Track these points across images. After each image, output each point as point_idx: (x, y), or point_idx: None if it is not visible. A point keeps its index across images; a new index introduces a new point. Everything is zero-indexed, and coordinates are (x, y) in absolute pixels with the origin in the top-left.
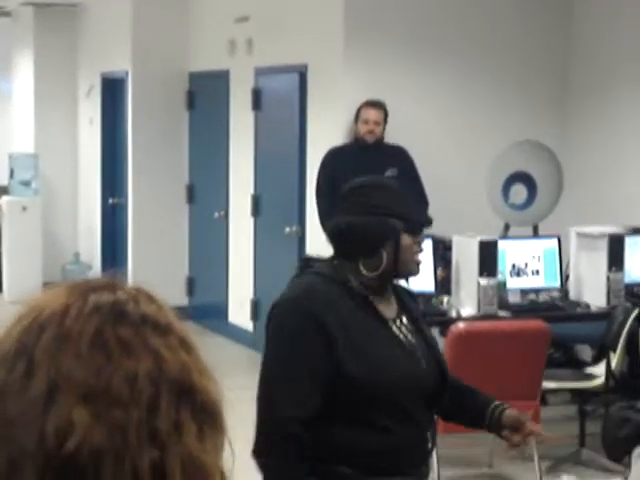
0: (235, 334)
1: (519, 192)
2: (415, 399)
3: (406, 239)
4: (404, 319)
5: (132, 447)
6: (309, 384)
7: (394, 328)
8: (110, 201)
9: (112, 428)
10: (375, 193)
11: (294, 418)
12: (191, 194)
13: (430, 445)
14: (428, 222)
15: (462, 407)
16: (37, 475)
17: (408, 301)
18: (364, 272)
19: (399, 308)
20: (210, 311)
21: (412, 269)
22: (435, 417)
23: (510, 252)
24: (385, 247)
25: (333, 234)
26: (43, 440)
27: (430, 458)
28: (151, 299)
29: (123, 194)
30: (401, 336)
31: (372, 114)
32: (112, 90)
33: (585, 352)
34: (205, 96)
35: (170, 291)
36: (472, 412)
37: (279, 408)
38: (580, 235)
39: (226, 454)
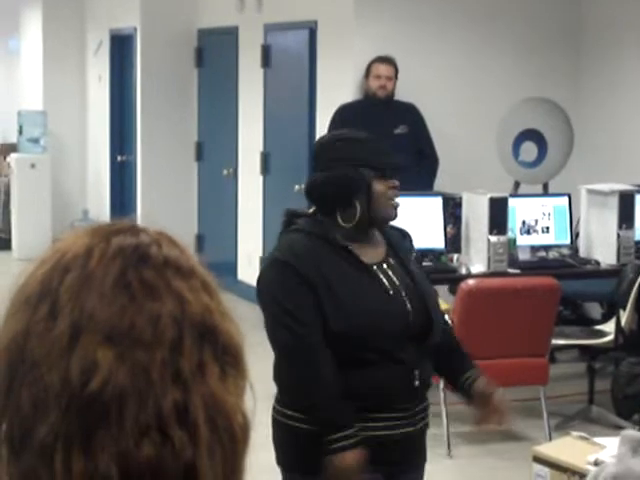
0: (244, 291)
1: (529, 150)
2: (400, 339)
3: (378, 186)
4: (391, 261)
5: (155, 387)
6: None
7: (378, 273)
8: (119, 158)
9: (135, 368)
10: (342, 146)
11: (309, 331)
12: (200, 152)
13: (418, 382)
14: (396, 166)
15: (440, 367)
16: (61, 415)
17: (397, 242)
18: (342, 224)
19: (387, 251)
20: (219, 268)
21: (388, 214)
22: (427, 354)
23: (520, 209)
24: (358, 197)
25: (308, 191)
26: (67, 380)
27: (422, 394)
28: (174, 243)
29: (132, 151)
30: (385, 280)
31: (383, 69)
32: (120, 47)
33: (594, 310)
34: (214, 53)
35: None
36: (448, 375)
37: (293, 330)
38: (590, 192)
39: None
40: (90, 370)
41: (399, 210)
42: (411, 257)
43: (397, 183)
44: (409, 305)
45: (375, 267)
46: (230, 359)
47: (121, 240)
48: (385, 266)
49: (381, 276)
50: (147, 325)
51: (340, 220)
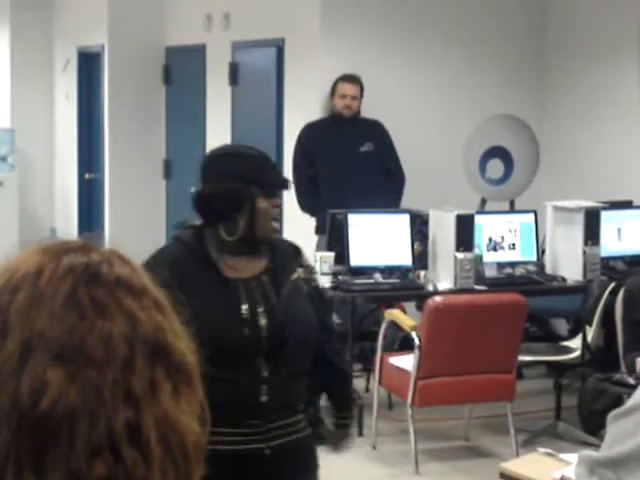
0: None
1: (496, 167)
2: (247, 355)
3: (262, 203)
4: (264, 279)
5: (107, 406)
6: None
7: (240, 288)
8: (87, 176)
9: (86, 387)
10: (231, 161)
11: None
12: (168, 169)
13: (266, 399)
14: (283, 184)
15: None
16: (12, 434)
17: (283, 260)
18: (225, 237)
19: (265, 268)
20: None
21: (269, 233)
22: (289, 372)
23: (487, 226)
24: (242, 212)
25: (194, 202)
26: (17, 399)
27: (276, 411)
28: (125, 261)
29: (99, 169)
30: (243, 297)
31: (349, 89)
32: (88, 64)
33: (561, 326)
34: (182, 71)
35: None
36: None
37: None
38: (556, 209)
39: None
40: (40, 389)
41: (360, 227)
42: (290, 276)
43: (279, 202)
44: (263, 322)
45: (240, 282)
46: (183, 377)
47: (72, 259)
48: (254, 283)
49: (241, 292)
50: (98, 344)
51: (223, 233)
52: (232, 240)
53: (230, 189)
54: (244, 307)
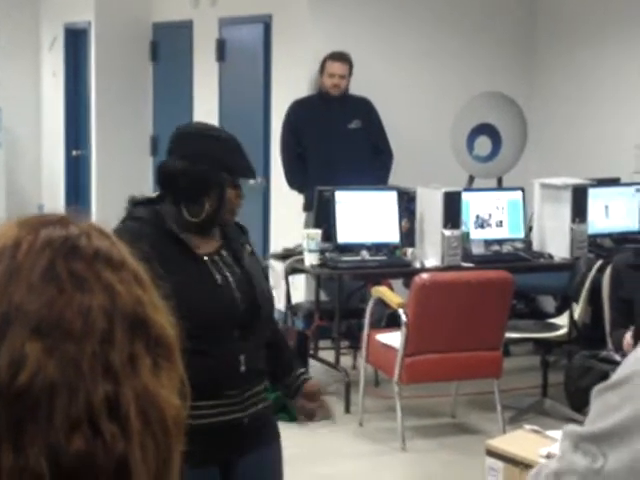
0: None
1: (484, 144)
2: (226, 327)
3: (230, 192)
4: (224, 253)
5: (86, 380)
6: None
7: (209, 263)
8: (74, 153)
9: (65, 361)
10: (207, 143)
11: None
12: (155, 146)
13: (244, 368)
14: (251, 173)
15: (269, 363)
16: None
17: (233, 236)
18: (186, 216)
19: (221, 244)
20: None
21: (230, 218)
22: (258, 341)
23: (474, 203)
24: (209, 196)
25: (161, 176)
26: None
27: (251, 380)
28: (104, 234)
29: (86, 146)
30: (214, 271)
31: (337, 68)
32: (75, 42)
33: (548, 303)
34: (169, 47)
35: None
36: (276, 371)
37: None
38: (544, 186)
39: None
40: (18, 363)
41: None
42: (245, 250)
43: (243, 194)
44: (237, 294)
45: (206, 258)
46: (163, 351)
47: (50, 232)
48: (217, 257)
49: (211, 267)
50: (77, 317)
51: (185, 212)
52: (193, 221)
53: (200, 171)
54: (219, 282)
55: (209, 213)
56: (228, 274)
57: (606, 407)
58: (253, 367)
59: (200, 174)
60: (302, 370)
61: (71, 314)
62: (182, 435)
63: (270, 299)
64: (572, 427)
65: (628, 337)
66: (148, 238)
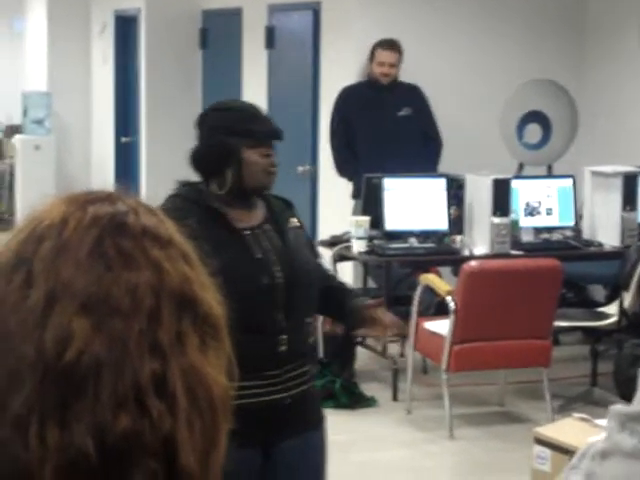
0: None
1: (534, 131)
2: (266, 305)
3: (251, 154)
4: (266, 227)
5: (133, 358)
6: None
7: (249, 237)
8: (123, 140)
9: (112, 338)
10: (216, 115)
11: None
12: None
13: (285, 348)
14: (269, 134)
15: (328, 307)
16: (36, 386)
17: (279, 210)
18: (216, 191)
19: (265, 218)
20: None
21: (261, 181)
22: (303, 320)
23: (524, 191)
24: (229, 166)
25: (188, 160)
26: (42, 350)
27: (293, 360)
28: (151, 212)
29: (136, 133)
30: (253, 245)
31: (387, 56)
32: (125, 28)
33: (598, 292)
34: (218, 34)
35: None
36: (335, 309)
37: None
38: (594, 174)
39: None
40: (65, 340)
41: (397, 191)
42: (289, 224)
43: (270, 151)
44: (278, 269)
45: (247, 232)
46: (210, 330)
47: (97, 208)
48: (259, 232)
49: (250, 240)
50: (124, 295)
51: (214, 188)
52: (222, 194)
53: (213, 143)
54: (258, 256)
55: (233, 182)
56: (270, 247)
57: None
58: (295, 348)
59: (213, 146)
60: (357, 300)
61: (118, 291)
62: (229, 414)
63: (313, 273)
64: (619, 407)
65: None
66: (185, 212)
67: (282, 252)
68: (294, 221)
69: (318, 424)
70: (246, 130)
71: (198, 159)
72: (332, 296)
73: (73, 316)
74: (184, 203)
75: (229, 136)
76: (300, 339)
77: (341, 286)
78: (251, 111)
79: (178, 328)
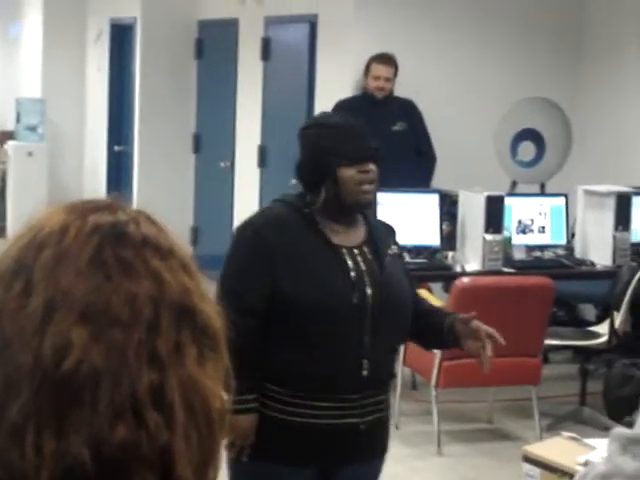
0: None
1: (527, 149)
2: (352, 325)
3: (347, 172)
4: (365, 249)
5: (131, 368)
6: (251, 292)
7: (345, 255)
8: (116, 148)
9: (111, 348)
10: (312, 133)
11: (240, 305)
12: (197, 143)
13: (367, 373)
14: (364, 154)
15: (424, 331)
16: (33, 395)
17: (379, 234)
18: (314, 205)
19: (365, 239)
20: (214, 261)
21: (357, 199)
22: (388, 347)
23: (517, 208)
24: (325, 183)
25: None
26: (40, 359)
27: (374, 386)
28: (152, 221)
29: (129, 142)
30: (350, 263)
31: (382, 70)
32: (120, 37)
33: (589, 312)
34: (214, 45)
35: None
36: (433, 334)
37: (227, 299)
38: (587, 193)
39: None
40: (64, 349)
41: (389, 206)
42: (389, 251)
43: (370, 167)
44: (369, 291)
45: (344, 249)
46: (209, 341)
47: (98, 217)
48: (356, 251)
49: (347, 258)
50: (123, 304)
51: (311, 201)
52: (317, 208)
53: (310, 161)
54: (352, 274)
55: (327, 199)
56: (365, 269)
57: None
58: (377, 373)
59: (309, 163)
60: (449, 317)
61: (118, 301)
62: (226, 427)
63: (406, 301)
64: (621, 430)
65: None
66: (283, 221)
67: (377, 275)
68: (394, 248)
69: (383, 453)
70: (340, 149)
71: (299, 172)
72: (425, 319)
73: (72, 325)
74: (287, 211)
75: (325, 155)
76: (384, 366)
77: (432, 308)
78: (350, 129)
79: (177, 339)
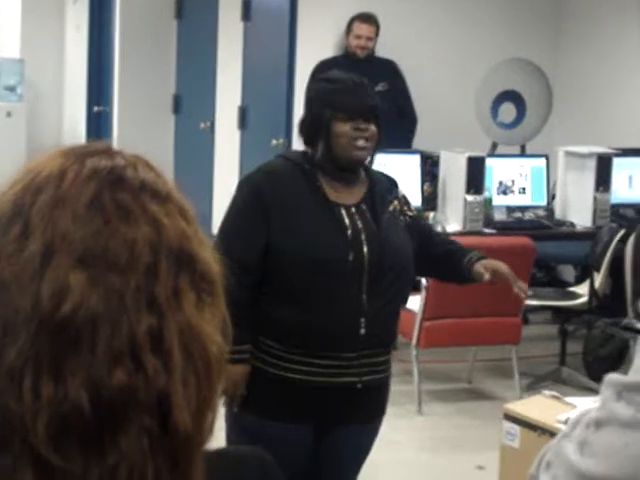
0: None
1: (508, 111)
2: (350, 283)
3: (341, 127)
4: (363, 206)
5: (129, 313)
6: (245, 248)
7: (343, 212)
8: (95, 109)
9: (109, 293)
10: (313, 86)
11: (235, 261)
12: (177, 104)
13: (364, 331)
14: (362, 110)
15: (444, 267)
16: (31, 338)
17: (380, 189)
18: (314, 161)
19: (364, 195)
20: None
21: (350, 156)
22: (386, 306)
23: (497, 169)
24: (321, 137)
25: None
26: (38, 303)
27: (371, 345)
28: (150, 167)
29: (108, 102)
30: (347, 221)
31: (364, 29)
32: None
33: (568, 273)
34: (194, 5)
35: None
36: (454, 269)
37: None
38: (568, 154)
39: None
40: (62, 293)
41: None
42: (389, 205)
43: (366, 126)
44: (366, 249)
45: (342, 208)
46: (207, 287)
47: (96, 162)
48: (354, 210)
49: (344, 217)
50: (122, 249)
51: (310, 155)
52: (316, 163)
53: (308, 114)
54: (349, 232)
55: (323, 152)
56: (361, 227)
57: None
58: (375, 333)
59: (307, 116)
60: (470, 254)
61: (116, 245)
62: (223, 373)
63: (404, 260)
64: (616, 376)
65: None
66: (281, 174)
67: (374, 235)
68: (395, 203)
69: (379, 416)
70: (339, 103)
71: (300, 126)
72: (445, 259)
73: (70, 269)
74: (288, 166)
75: (323, 108)
76: (382, 326)
77: (451, 247)
78: (351, 85)
79: (175, 284)
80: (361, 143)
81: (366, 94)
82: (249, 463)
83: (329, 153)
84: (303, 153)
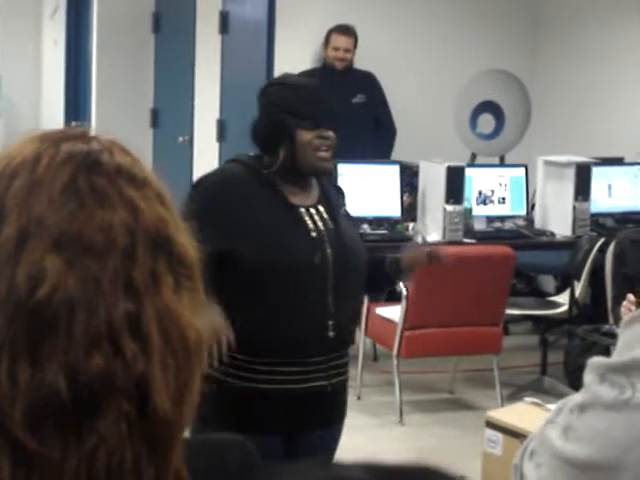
0: None
1: (487, 122)
2: (316, 284)
3: (304, 135)
4: (321, 209)
5: (106, 296)
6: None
7: (304, 215)
8: (73, 124)
9: (85, 277)
10: (274, 91)
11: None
12: (155, 118)
13: (333, 334)
14: (325, 119)
15: (372, 278)
16: (7, 323)
17: (332, 194)
18: (271, 166)
19: (319, 199)
20: None
21: (314, 165)
22: (350, 306)
23: (477, 179)
24: (283, 145)
25: (249, 131)
26: (13, 288)
27: (338, 348)
28: (126, 152)
29: (86, 117)
30: (309, 222)
31: (342, 41)
32: (77, 11)
33: (548, 284)
34: (172, 18)
35: None
36: (381, 275)
37: None
38: (547, 164)
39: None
40: (38, 277)
41: (350, 177)
42: (341, 211)
43: (329, 134)
44: (329, 250)
45: (302, 209)
46: (185, 271)
47: (71, 146)
48: (313, 211)
49: (306, 218)
50: (98, 233)
51: (267, 162)
52: (274, 170)
53: (269, 120)
54: (313, 234)
55: (284, 160)
56: (322, 228)
57: (636, 337)
58: (342, 335)
59: (267, 123)
60: (392, 256)
61: (92, 229)
62: (203, 357)
63: (362, 259)
64: (598, 359)
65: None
66: (245, 179)
67: (334, 234)
68: (344, 210)
69: (342, 418)
70: (302, 111)
71: (255, 132)
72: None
73: (46, 253)
74: (243, 170)
75: (285, 114)
76: (347, 327)
77: (377, 256)
78: (314, 92)
79: (153, 268)
80: (324, 154)
81: (328, 101)
82: (230, 449)
83: (292, 161)
84: (257, 158)
